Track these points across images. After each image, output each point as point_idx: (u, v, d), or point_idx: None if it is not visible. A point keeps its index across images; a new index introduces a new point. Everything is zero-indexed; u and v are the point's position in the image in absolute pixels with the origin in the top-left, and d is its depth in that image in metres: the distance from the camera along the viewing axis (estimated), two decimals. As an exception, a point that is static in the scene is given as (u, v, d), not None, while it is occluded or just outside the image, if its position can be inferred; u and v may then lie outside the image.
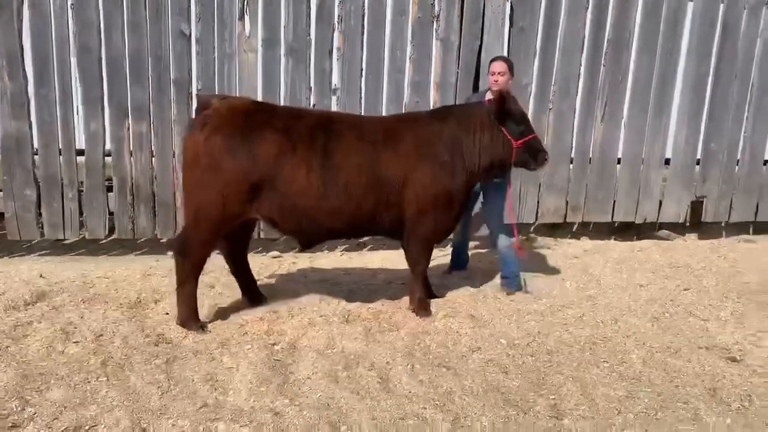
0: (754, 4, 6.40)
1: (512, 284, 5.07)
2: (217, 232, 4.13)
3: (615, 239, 6.95)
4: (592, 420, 3.25)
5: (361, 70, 5.90)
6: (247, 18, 5.68)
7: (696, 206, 6.95)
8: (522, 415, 3.30)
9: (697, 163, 6.80)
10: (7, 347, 3.87)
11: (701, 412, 3.34)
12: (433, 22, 5.90)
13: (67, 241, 6.27)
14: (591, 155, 6.55)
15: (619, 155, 6.63)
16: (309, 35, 5.76)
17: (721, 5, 6.37)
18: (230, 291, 4.97)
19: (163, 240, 6.29)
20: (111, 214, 5.92)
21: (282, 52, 5.76)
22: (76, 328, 4.17)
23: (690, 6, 6.36)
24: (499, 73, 4.82)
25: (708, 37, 6.44)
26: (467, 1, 5.91)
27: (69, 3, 5.44)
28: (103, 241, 6.39)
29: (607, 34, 6.28)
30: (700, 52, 6.46)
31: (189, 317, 4.21)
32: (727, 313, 4.74)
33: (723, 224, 7.25)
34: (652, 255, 6.13)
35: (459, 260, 5.51)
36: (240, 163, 3.94)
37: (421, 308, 4.47)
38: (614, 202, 6.71)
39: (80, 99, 5.63)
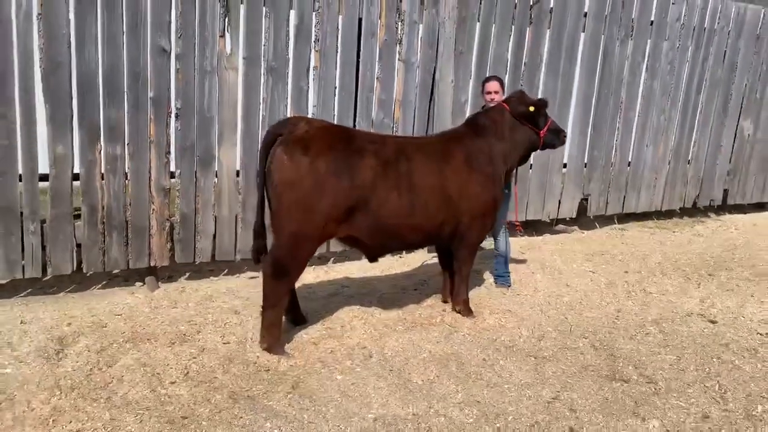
0: (623, 36, 7.86)
1: (506, 281, 5.73)
2: (312, 252, 4.20)
3: (520, 235, 7.98)
4: (677, 380, 4.03)
5: (335, 88, 6.10)
6: (228, 35, 5.56)
7: (581, 203, 8.26)
8: (624, 384, 3.98)
9: (585, 166, 8.09)
10: (108, 398, 3.54)
11: (736, 362, 4.32)
12: (396, 44, 6.32)
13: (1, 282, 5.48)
14: (511, 163, 7.46)
15: (531, 162, 7.63)
16: (288, 54, 5.81)
17: (602, 36, 7.71)
18: (259, 314, 4.89)
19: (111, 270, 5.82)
20: (78, 246, 5.35)
21: (262, 70, 5.73)
22: (154, 368, 3.91)
23: (582, 36, 7.60)
24: (494, 92, 5.43)
25: (593, 62, 7.75)
26: (424, 27, 6.43)
27: (35, 12, 4.85)
28: (46, 279, 5.70)
29: (524, 57, 7.24)
30: (587, 74, 7.74)
31: (276, 341, 4.18)
32: (670, 287, 5.91)
33: (592, 217, 8.67)
34: (574, 246, 7.24)
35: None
36: (343, 185, 4.04)
37: (467, 309, 4.92)
38: (527, 202, 7.72)
39: (46, 119, 5.02)
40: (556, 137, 5.10)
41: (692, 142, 8.85)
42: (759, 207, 10.04)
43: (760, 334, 4.81)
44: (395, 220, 4.32)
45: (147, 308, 4.96)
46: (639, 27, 7.90)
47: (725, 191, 9.46)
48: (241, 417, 3.41)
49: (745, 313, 5.24)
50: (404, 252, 6.99)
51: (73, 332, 4.43)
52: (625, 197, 8.52)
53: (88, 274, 5.72)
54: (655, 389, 3.91)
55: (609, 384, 3.96)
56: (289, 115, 5.90)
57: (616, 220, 8.81)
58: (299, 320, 4.72)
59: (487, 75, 6.97)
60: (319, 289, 5.59)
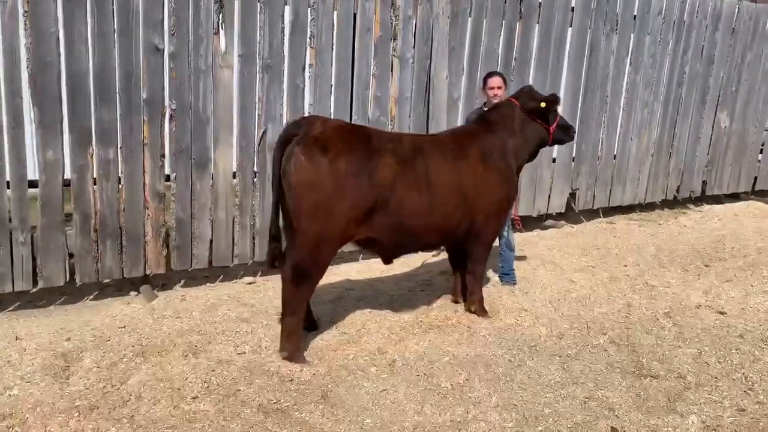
0: (608, 31, 7.89)
1: (510, 279, 5.68)
2: (333, 255, 4.06)
3: (518, 230, 7.94)
4: (704, 374, 4.02)
5: (331, 85, 5.94)
6: (222, 33, 5.35)
7: (570, 197, 8.28)
8: (653, 380, 3.95)
9: (573, 161, 8.10)
10: (131, 417, 3.34)
11: (756, 353, 4.34)
12: (391, 40, 6.19)
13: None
14: (502, 159, 7.42)
15: (521, 158, 7.60)
16: (283, 51, 5.63)
17: (589, 31, 7.73)
18: (269, 320, 4.74)
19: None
20: (70, 256, 5.08)
21: (258, 68, 5.54)
22: (172, 383, 3.71)
23: (569, 31, 7.60)
24: (497, 87, 5.35)
25: (580, 57, 7.76)
26: (419, 23, 6.32)
27: (21, 10, 4.57)
28: (33, 291, 5.39)
29: (514, 53, 7.20)
30: (575, 68, 7.75)
31: (297, 349, 4.03)
32: (672, 280, 5.94)
33: (577, 211, 8.70)
34: (568, 241, 7.23)
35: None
36: (363, 185, 3.91)
37: (482, 309, 4.84)
38: (518, 198, 7.68)
39: (35, 123, 4.75)
40: (565, 133, 5.06)
41: (673, 135, 8.95)
42: (733, 197, 10.23)
43: (771, 324, 4.85)
44: (415, 220, 4.20)
45: (150, 319, 4.74)
46: (623, 21, 7.94)
47: (704, 182, 9.61)
48: (278, 432, 3.26)
49: (751, 303, 5.29)
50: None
51: (76, 347, 4.20)
52: (611, 190, 8.57)
53: (77, 285, 5.43)
54: (685, 384, 3.89)
55: (639, 381, 3.92)
56: (284, 114, 5.72)
57: (601, 214, 8.86)
58: (312, 326, 4.56)
59: (479, 70, 6.96)
60: (324, 293, 5.42)
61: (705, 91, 9.04)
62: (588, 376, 3.97)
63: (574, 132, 5.18)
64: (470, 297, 4.88)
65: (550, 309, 5.07)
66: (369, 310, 4.91)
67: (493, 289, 5.46)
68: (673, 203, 9.51)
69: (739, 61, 9.28)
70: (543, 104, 4.78)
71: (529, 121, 4.84)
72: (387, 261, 4.55)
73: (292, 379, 3.83)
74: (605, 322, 4.83)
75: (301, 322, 4.10)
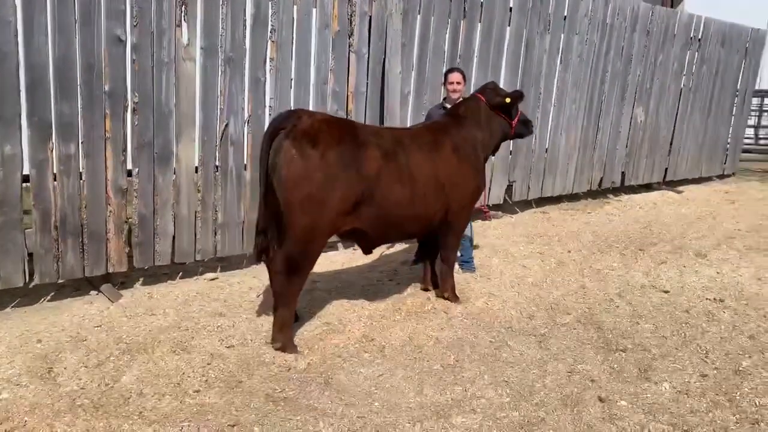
0: (542, 31, 8.33)
1: (470, 267, 5.93)
2: (323, 246, 4.13)
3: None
4: (664, 347, 4.41)
5: (291, 80, 5.96)
6: (185, 25, 5.26)
7: (507, 189, 8.67)
8: (622, 353, 4.29)
9: (510, 154, 8.49)
10: (140, 413, 3.30)
11: (703, 325, 4.79)
12: (348, 36, 6.28)
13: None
14: (448, 153, 7.68)
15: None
16: (245, 45, 5.60)
17: (525, 30, 8.13)
18: (246, 314, 4.76)
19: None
20: (29, 255, 4.86)
21: (220, 60, 5.48)
22: (170, 378, 3.69)
23: (508, 30, 7.95)
24: (457, 83, 5.58)
25: (517, 54, 8.14)
26: (374, 20, 6.44)
27: (-24, -3, 4.34)
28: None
29: (459, 50, 7.48)
30: (513, 66, 8.13)
31: (289, 340, 4.09)
32: (614, 263, 6.39)
33: (511, 202, 9.13)
34: (513, 230, 7.60)
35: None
36: (352, 177, 4.01)
37: (454, 295, 5.05)
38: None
39: (-8, 116, 4.51)
40: (525, 127, 5.34)
41: (597, 130, 9.54)
42: (646, 187, 11.02)
43: (709, 300, 5.34)
44: (398, 210, 4.35)
45: (124, 317, 4.63)
46: (555, 21, 8.40)
47: (623, 174, 10.30)
48: (290, 419, 3.31)
49: (688, 282, 5.79)
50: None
51: (53, 348, 4.06)
52: (543, 182, 9.04)
53: (32, 286, 5.18)
54: (651, 356, 4.25)
55: (611, 354, 4.25)
56: (246, 107, 5.70)
57: (534, 204, 9.33)
58: (294, 318, 4.60)
59: (427, 67, 7.18)
60: (292, 286, 5.46)
61: (624, 89, 9.71)
62: (565, 352, 4.26)
63: (533, 126, 5.47)
64: (443, 284, 5.08)
65: (514, 293, 5.35)
66: (345, 300, 5.01)
67: (458, 277, 5.65)
68: (596, 193, 10.14)
69: (653, 60, 10.02)
70: (508, 100, 5.03)
71: (494, 116, 5.08)
72: (367, 251, 4.66)
73: (290, 369, 3.88)
74: (566, 304, 5.16)
75: (293, 314, 4.15)
